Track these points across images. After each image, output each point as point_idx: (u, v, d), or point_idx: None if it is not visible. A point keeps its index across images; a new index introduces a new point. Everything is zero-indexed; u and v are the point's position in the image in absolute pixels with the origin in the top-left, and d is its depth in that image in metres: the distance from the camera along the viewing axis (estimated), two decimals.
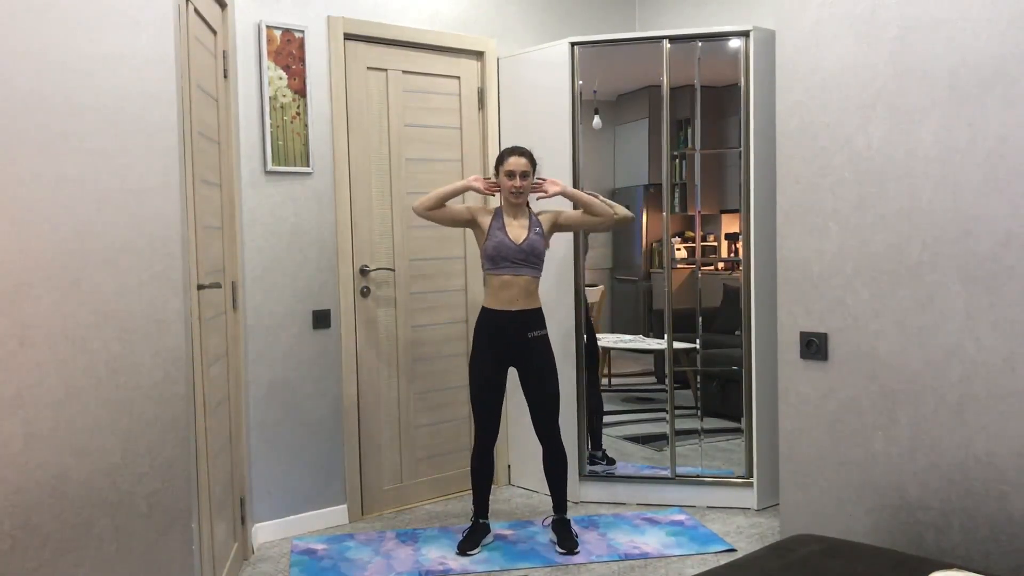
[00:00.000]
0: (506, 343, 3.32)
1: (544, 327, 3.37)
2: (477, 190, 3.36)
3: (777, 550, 2.19)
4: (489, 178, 3.40)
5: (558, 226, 3.41)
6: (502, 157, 3.32)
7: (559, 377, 3.43)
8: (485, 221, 3.34)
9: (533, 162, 3.33)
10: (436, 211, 3.29)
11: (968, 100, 2.39)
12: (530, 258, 3.29)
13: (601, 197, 3.45)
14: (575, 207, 3.43)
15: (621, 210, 3.46)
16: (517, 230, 3.31)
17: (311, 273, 3.62)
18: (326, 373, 3.67)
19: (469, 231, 4.10)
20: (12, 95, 1.99)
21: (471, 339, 4.10)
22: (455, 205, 3.38)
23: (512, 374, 3.60)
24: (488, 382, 3.34)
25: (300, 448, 3.60)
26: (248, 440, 3.43)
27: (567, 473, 3.45)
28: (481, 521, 3.42)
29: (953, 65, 2.41)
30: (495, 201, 3.74)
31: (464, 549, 3.33)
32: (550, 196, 3.38)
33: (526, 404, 4.04)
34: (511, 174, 3.28)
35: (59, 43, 2.05)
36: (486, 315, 3.34)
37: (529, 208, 3.39)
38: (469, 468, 3.57)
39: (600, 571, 3.15)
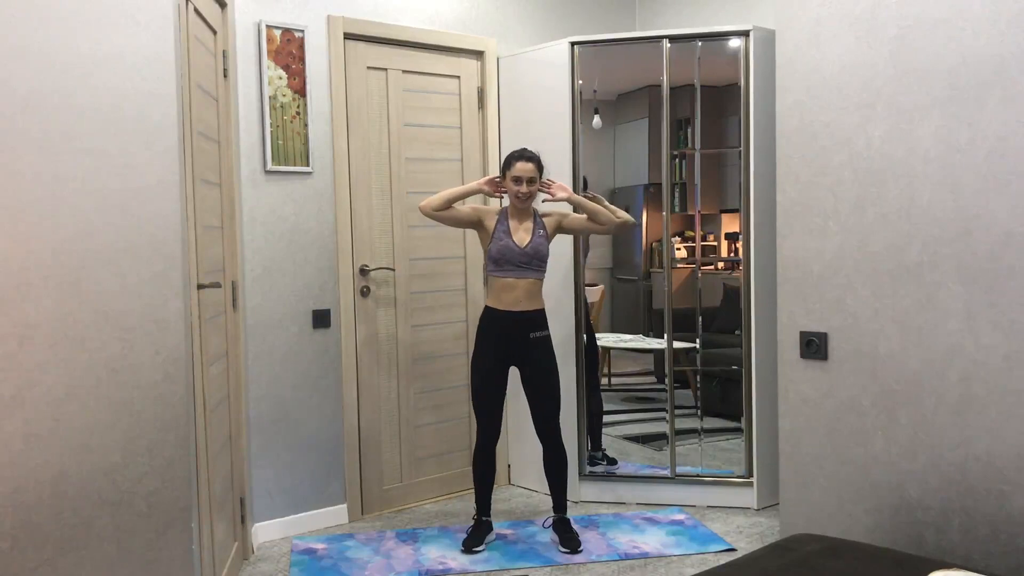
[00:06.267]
0: (508, 343, 3.32)
1: (546, 328, 3.37)
2: (487, 193, 3.37)
3: (777, 550, 2.19)
4: (496, 178, 3.40)
5: (561, 229, 3.42)
6: (509, 161, 3.31)
7: (560, 378, 3.43)
8: (491, 223, 3.34)
9: (540, 167, 3.32)
10: (443, 212, 3.29)
11: (968, 100, 2.39)
12: (534, 261, 3.29)
13: (605, 202, 3.44)
14: (576, 210, 3.43)
15: (623, 215, 3.39)
16: (521, 233, 3.31)
17: (311, 273, 3.62)
18: (326, 373, 3.67)
19: (471, 232, 4.11)
20: (12, 95, 1.99)
21: (472, 338, 4.12)
22: (461, 207, 3.37)
23: (514, 375, 3.60)
24: (490, 380, 3.33)
25: (300, 447, 3.60)
26: (248, 440, 3.43)
27: (567, 473, 3.46)
28: (484, 519, 3.43)
29: (953, 65, 2.41)
30: (497, 199, 3.74)
31: (469, 546, 3.34)
32: (556, 200, 3.39)
33: (526, 404, 4.04)
34: (518, 180, 3.27)
35: (59, 43, 2.05)
36: (489, 314, 3.34)
37: (534, 209, 3.39)
38: (471, 467, 3.57)
39: (600, 571, 3.15)
